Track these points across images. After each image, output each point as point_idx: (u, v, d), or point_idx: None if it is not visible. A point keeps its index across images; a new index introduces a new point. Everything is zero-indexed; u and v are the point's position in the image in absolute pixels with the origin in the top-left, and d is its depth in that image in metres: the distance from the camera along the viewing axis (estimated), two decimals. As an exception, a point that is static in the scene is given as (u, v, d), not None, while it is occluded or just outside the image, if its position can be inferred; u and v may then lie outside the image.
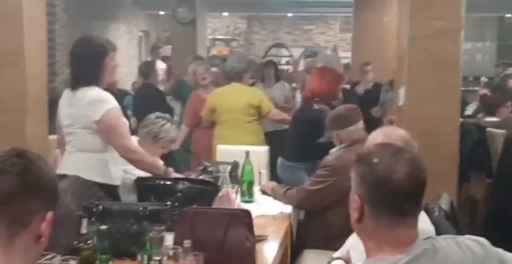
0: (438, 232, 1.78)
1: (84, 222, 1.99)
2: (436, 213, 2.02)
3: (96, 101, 2.49)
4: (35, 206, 0.99)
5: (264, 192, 3.06)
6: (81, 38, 2.75)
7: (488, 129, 4.45)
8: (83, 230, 1.94)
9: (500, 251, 1.29)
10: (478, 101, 5.38)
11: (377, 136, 1.98)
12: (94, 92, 2.51)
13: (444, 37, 3.29)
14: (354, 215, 1.21)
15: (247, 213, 2.01)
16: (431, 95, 3.34)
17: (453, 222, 2.15)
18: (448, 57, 3.32)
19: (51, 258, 1.71)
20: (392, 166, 1.16)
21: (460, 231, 2.08)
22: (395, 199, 1.16)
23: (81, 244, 1.82)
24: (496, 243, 1.39)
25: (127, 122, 2.76)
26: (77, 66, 2.58)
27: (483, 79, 7.47)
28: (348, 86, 5.78)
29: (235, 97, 3.90)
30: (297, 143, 3.54)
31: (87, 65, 2.54)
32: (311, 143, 3.34)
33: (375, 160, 1.18)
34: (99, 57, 2.52)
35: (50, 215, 1.02)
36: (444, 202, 2.22)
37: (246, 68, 3.98)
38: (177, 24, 7.33)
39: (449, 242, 1.25)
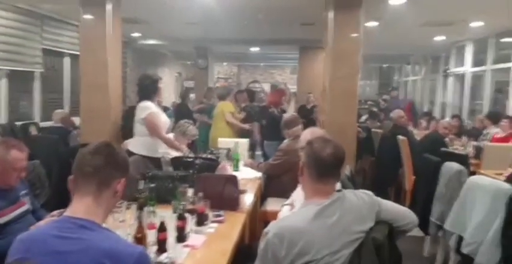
0: (343, 187, 2.05)
1: (141, 182, 2.58)
2: (343, 176, 2.42)
3: (145, 108, 3.48)
4: (115, 174, 1.31)
5: (246, 165, 3.95)
6: (144, 73, 4.04)
7: (372, 130, 6.19)
8: (140, 187, 2.51)
9: (379, 198, 1.71)
10: (368, 114, 7.43)
11: (307, 133, 2.58)
12: (146, 103, 3.51)
13: (348, 78, 4.54)
14: (299, 173, 1.69)
15: (235, 177, 2.63)
16: (341, 110, 4.58)
17: (352, 182, 2.73)
18: (350, 89, 4.59)
19: (121, 203, 2.13)
20: (323, 147, 1.63)
21: (356, 187, 2.38)
22: (323, 166, 1.62)
23: (139, 195, 2.30)
24: (377, 194, 1.71)
25: (167, 122, 3.72)
26: (140, 89, 3.61)
27: (369, 102, 10.58)
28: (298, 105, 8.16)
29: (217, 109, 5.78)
30: (271, 129, 5.82)
31: (146, 88, 3.58)
32: (276, 129, 4.33)
33: (315, 144, 1.66)
34: (153, 84, 3.60)
35: (123, 179, 1.33)
36: (347, 170, 2.85)
37: (226, 93, 6.15)
38: (197, 69, 10.46)
39: (350, 193, 1.67)
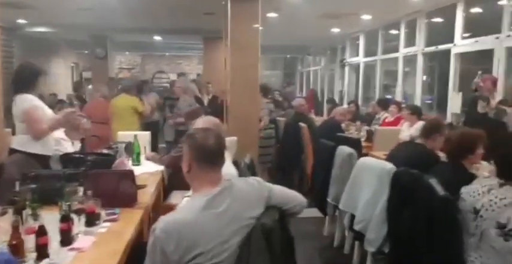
0: (241, 175, 2.30)
1: (17, 183, 2.29)
2: (242, 165, 2.64)
3: (23, 101, 3.06)
4: None
5: (148, 159, 3.79)
6: (22, 63, 3.49)
7: (277, 118, 6.30)
8: (16, 188, 2.24)
9: (269, 184, 1.74)
10: (272, 103, 7.04)
11: (200, 122, 2.57)
12: (24, 96, 3.07)
13: (249, 67, 4.62)
14: (185, 168, 1.64)
15: (130, 172, 2.51)
16: (243, 99, 4.65)
17: (252, 170, 2.74)
18: (252, 79, 4.66)
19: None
20: (206, 137, 1.62)
21: (255, 174, 2.60)
22: (211, 156, 1.61)
23: (16, 198, 2.08)
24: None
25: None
26: (16, 80, 3.15)
27: (276, 92, 10.00)
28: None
29: (122, 102, 5.40)
30: None
31: (24, 79, 3.13)
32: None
33: (197, 136, 1.64)
34: (32, 75, 3.16)
35: None
36: (247, 159, 2.84)
37: (133, 86, 5.73)
38: (95, 58, 9.78)
39: (241, 181, 1.70)
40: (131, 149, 3.73)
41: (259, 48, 4.74)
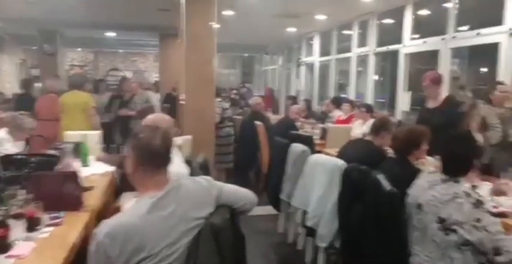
0: (192, 174, 2.25)
1: None
2: (195, 164, 2.57)
3: None
4: None
5: (98, 160, 3.54)
6: None
7: (234, 116, 6.27)
8: None
9: (219, 183, 1.70)
10: (229, 101, 7.28)
11: (148, 119, 2.43)
12: None
13: (205, 64, 4.56)
14: (129, 170, 1.55)
15: (74, 173, 2.38)
16: (199, 96, 4.58)
17: (205, 169, 2.66)
18: (207, 76, 4.60)
19: None
20: (152, 137, 1.54)
21: (208, 173, 2.50)
22: (154, 157, 1.52)
23: None
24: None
25: None
26: None
27: (234, 91, 10.54)
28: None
29: (73, 98, 5.03)
30: None
31: None
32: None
33: (141, 135, 1.56)
34: None
35: None
36: (200, 158, 2.78)
37: (84, 81, 5.37)
38: (43, 55, 9.27)
39: (189, 181, 1.63)
40: (79, 150, 3.60)
41: (215, 45, 4.71)
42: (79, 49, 15.03)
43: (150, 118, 2.43)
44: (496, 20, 4.54)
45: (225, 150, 5.15)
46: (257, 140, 5.35)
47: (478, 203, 1.84)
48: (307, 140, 4.07)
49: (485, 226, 1.79)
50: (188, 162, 2.59)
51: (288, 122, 5.21)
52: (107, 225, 1.42)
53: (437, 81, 3.65)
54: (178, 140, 3.23)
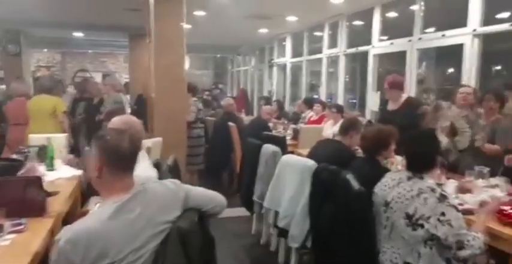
0: (161, 177, 2.17)
1: None
2: (164, 167, 2.53)
3: None
4: None
5: (67, 163, 3.46)
6: None
7: (206, 117, 6.12)
8: None
9: (187, 185, 1.66)
10: (202, 102, 6.81)
11: (115, 121, 2.32)
12: None
13: (175, 65, 4.51)
14: (94, 173, 1.48)
15: (37, 178, 2.31)
16: (170, 97, 4.52)
17: (174, 172, 2.60)
18: (177, 76, 4.54)
19: None
20: (119, 139, 1.49)
21: (178, 176, 2.46)
22: (122, 160, 1.49)
23: None
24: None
25: None
26: None
27: (206, 92, 10.56)
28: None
29: (41, 103, 4.86)
30: None
31: None
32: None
33: (108, 137, 1.51)
34: None
35: None
36: (170, 160, 2.72)
37: (53, 85, 5.15)
38: (7, 56, 8.88)
39: (155, 184, 1.61)
40: (44, 153, 3.48)
41: (185, 45, 4.62)
42: (45, 50, 14.62)
43: (117, 120, 2.32)
44: (461, 21, 4.68)
45: (196, 152, 5.09)
46: (230, 141, 5.33)
47: (442, 198, 1.89)
48: (279, 141, 4.08)
49: (449, 220, 1.84)
50: (158, 164, 2.55)
51: (261, 122, 5.22)
52: (68, 231, 1.37)
53: (396, 85, 3.74)
54: (147, 142, 3.17)
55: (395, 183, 2.02)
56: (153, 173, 2.22)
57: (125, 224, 1.40)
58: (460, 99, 3.45)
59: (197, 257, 1.53)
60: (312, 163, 2.72)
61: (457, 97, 3.47)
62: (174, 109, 4.53)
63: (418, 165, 2.02)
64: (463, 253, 1.83)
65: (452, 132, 3.21)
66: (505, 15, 4.90)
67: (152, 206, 1.49)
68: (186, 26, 4.69)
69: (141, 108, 6.79)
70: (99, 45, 13.23)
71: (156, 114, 4.45)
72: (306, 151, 4.09)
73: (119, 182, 1.49)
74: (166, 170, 2.52)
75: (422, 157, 2.04)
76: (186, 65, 4.77)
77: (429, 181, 1.98)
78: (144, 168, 1.98)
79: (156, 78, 4.55)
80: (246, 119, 6.68)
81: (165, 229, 1.48)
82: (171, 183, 1.63)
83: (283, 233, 2.90)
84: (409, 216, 1.89)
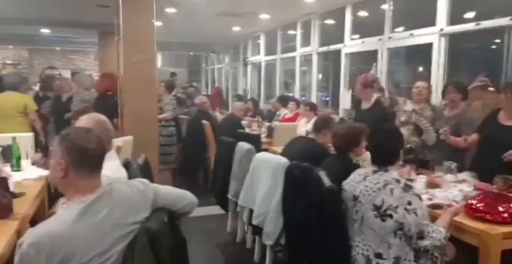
0: (131, 177, 2.09)
1: None
2: (134, 166, 2.46)
3: None
4: None
5: (33, 163, 3.36)
6: None
7: (179, 116, 6.09)
8: None
9: (156, 185, 1.62)
10: (176, 100, 6.47)
11: (84, 118, 2.21)
12: None
13: (145, 63, 4.39)
14: (59, 174, 1.42)
15: (3, 179, 2.24)
16: (139, 96, 4.41)
17: (145, 171, 2.54)
18: (148, 75, 4.43)
19: None
20: (87, 139, 1.45)
21: (149, 176, 2.43)
22: (90, 160, 1.44)
23: None
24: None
25: None
26: None
27: (180, 90, 9.50)
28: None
29: (9, 100, 4.69)
30: None
31: None
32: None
33: (73, 137, 1.45)
34: None
35: None
36: (141, 159, 2.70)
37: (21, 82, 4.94)
38: None
39: (123, 184, 1.55)
40: (9, 153, 3.34)
41: (155, 43, 4.53)
42: (10, 46, 14.13)
43: (84, 118, 2.23)
44: (430, 21, 4.79)
45: (168, 150, 5.01)
46: (204, 139, 5.28)
47: (407, 188, 1.96)
48: (254, 139, 4.07)
49: (415, 209, 1.91)
50: (127, 164, 2.48)
51: (234, 120, 5.20)
52: (31, 235, 1.32)
53: (367, 84, 3.82)
54: (117, 142, 3.09)
55: (361, 178, 2.07)
56: (122, 173, 2.15)
57: (90, 227, 1.36)
58: (415, 94, 3.54)
59: (168, 257, 1.50)
60: (284, 161, 2.72)
61: (412, 92, 3.58)
62: (145, 107, 4.46)
63: (382, 158, 2.08)
64: (423, 243, 1.90)
65: (418, 132, 3.27)
66: (471, 15, 5.04)
67: (119, 206, 1.44)
68: (157, 23, 4.60)
69: (111, 106, 6.60)
70: (68, 42, 12.93)
71: (126, 112, 4.35)
72: (280, 148, 4.11)
73: (85, 182, 1.44)
74: (136, 169, 2.46)
75: (385, 150, 2.09)
76: (159, 63, 4.63)
77: (394, 173, 2.05)
78: (113, 169, 1.92)
79: (126, 77, 4.46)
80: (221, 117, 6.64)
81: (133, 230, 1.44)
82: (139, 183, 1.58)
83: (257, 230, 2.89)
84: (377, 208, 1.92)
